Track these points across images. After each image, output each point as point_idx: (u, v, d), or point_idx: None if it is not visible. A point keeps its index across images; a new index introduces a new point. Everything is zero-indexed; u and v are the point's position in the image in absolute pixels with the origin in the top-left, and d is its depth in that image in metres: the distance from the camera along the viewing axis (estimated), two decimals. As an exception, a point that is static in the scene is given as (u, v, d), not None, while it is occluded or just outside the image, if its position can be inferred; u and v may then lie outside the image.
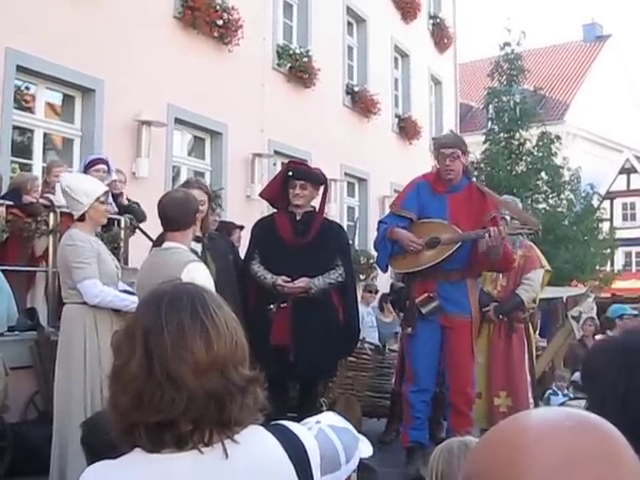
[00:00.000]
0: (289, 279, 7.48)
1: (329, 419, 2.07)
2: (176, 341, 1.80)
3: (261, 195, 8.06)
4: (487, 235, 7.05)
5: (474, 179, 7.72)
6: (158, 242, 7.04)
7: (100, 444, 4.44)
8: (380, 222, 7.92)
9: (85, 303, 6.39)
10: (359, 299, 13.39)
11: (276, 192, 7.89)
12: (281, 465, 1.87)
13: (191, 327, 1.83)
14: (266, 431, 1.93)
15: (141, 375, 1.79)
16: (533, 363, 9.06)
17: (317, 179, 7.96)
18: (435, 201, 7.54)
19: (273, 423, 1.99)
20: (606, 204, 36.63)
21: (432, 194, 7.58)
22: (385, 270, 7.94)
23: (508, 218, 8.14)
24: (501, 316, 8.75)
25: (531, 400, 8.99)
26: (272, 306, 7.48)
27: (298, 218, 7.76)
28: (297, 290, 7.48)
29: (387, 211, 8.41)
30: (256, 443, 1.88)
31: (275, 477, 1.87)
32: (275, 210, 8.22)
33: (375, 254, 8.34)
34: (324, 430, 2.02)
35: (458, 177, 7.57)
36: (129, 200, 10.40)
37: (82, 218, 6.57)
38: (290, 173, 7.74)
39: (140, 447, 1.82)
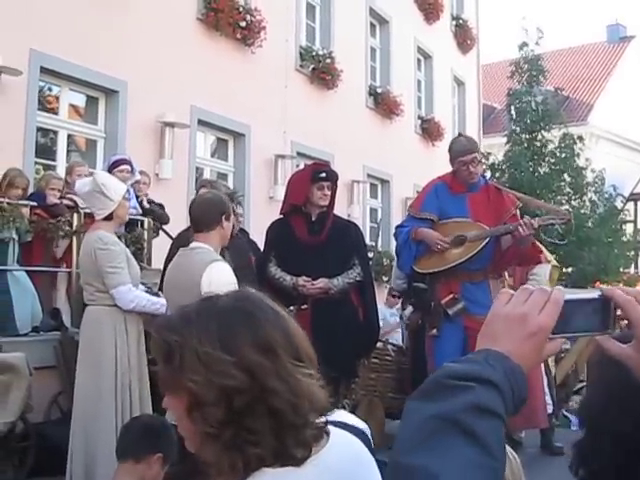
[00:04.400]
0: (309, 279, 7.47)
1: (352, 420, 2.05)
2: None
3: (292, 202, 7.95)
4: (519, 227, 7.00)
5: (495, 180, 7.65)
6: (178, 241, 7.08)
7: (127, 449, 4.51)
8: (399, 227, 7.86)
9: (114, 305, 6.41)
10: (384, 301, 13.46)
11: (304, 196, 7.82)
12: (366, 455, 1.90)
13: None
14: (338, 428, 1.91)
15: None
16: (547, 362, 9.01)
17: (337, 180, 7.98)
18: (454, 201, 7.50)
19: (333, 420, 1.96)
20: (630, 206, 36.39)
21: (451, 195, 7.54)
22: (409, 272, 7.84)
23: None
24: None
25: (549, 400, 8.97)
26: (292, 308, 7.45)
27: (314, 219, 7.75)
28: (317, 291, 7.46)
29: (410, 213, 8.31)
30: (340, 442, 1.86)
31: (367, 468, 1.87)
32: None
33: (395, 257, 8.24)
34: None
35: (478, 177, 7.57)
36: (152, 202, 10.42)
37: (109, 217, 6.58)
38: (324, 175, 7.74)
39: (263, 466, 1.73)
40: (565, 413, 12.91)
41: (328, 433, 1.81)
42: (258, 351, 1.67)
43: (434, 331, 7.40)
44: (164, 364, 1.71)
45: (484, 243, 7.20)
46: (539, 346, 1.44)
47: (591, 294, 1.51)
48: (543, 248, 8.90)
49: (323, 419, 1.79)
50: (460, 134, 8.48)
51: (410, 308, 9.00)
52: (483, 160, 7.45)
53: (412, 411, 1.35)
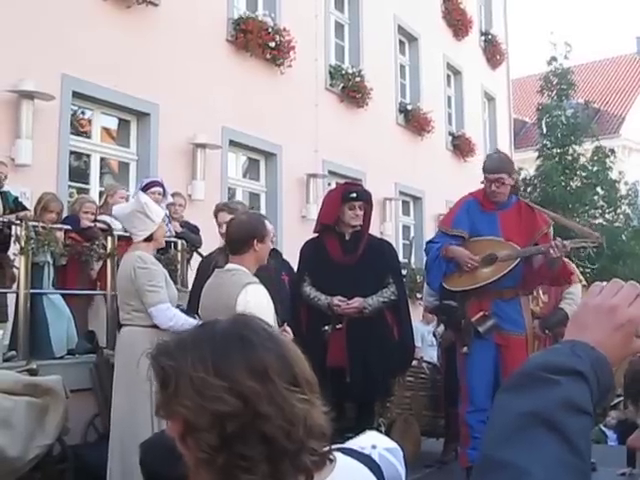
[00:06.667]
0: (345, 299, 7.45)
1: (381, 441, 2.03)
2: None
3: (323, 222, 7.97)
4: (550, 249, 6.95)
5: (527, 195, 7.61)
6: (204, 265, 7.15)
7: (157, 465, 4.48)
8: (430, 242, 7.79)
9: (149, 326, 6.43)
10: (420, 318, 13.39)
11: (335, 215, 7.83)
12: None
13: None
14: (346, 456, 1.89)
15: None
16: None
17: (371, 199, 7.97)
18: (485, 218, 7.44)
19: (341, 447, 1.94)
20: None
21: (482, 212, 7.48)
22: (438, 289, 7.78)
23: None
24: (547, 331, 8.65)
25: None
26: (327, 327, 7.45)
27: (347, 238, 7.75)
28: (352, 311, 7.45)
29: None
30: (346, 470, 1.84)
31: None
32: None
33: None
34: (384, 455, 1.98)
35: (505, 197, 7.50)
36: (187, 224, 10.42)
37: (148, 239, 6.62)
38: (354, 195, 7.75)
39: None
40: (602, 428, 12.80)
41: (332, 460, 1.77)
42: (252, 377, 1.65)
43: (465, 349, 7.35)
44: (160, 390, 1.70)
45: (514, 264, 7.16)
46: (626, 339, 1.48)
47: None
48: (574, 267, 8.80)
49: (326, 445, 1.76)
50: (498, 150, 8.43)
51: (442, 326, 8.97)
52: (510, 181, 7.33)
53: (503, 404, 1.37)
